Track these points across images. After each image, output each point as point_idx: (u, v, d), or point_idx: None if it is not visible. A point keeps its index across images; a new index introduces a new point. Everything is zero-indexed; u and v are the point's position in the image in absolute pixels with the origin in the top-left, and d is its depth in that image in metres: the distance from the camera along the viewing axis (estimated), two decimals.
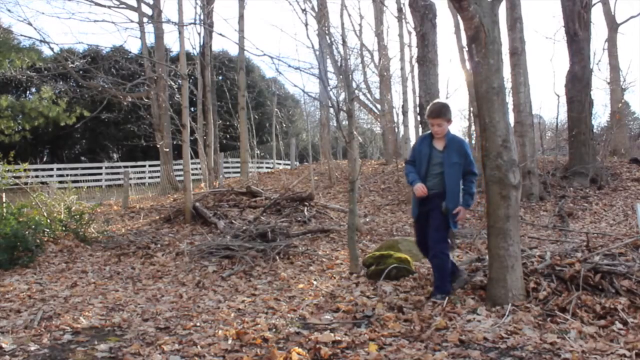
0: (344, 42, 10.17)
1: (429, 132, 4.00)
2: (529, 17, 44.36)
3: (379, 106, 18.37)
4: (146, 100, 14.57)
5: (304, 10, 6.40)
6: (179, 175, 13.73)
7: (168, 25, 14.72)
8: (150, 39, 16.02)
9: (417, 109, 9.39)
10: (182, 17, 9.81)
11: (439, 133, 3.80)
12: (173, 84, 14.27)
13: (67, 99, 17.33)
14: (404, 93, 12.18)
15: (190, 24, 13.05)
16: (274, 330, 3.41)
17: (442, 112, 3.81)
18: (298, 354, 2.86)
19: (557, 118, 16.43)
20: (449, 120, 3.82)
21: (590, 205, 10.12)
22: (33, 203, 7.75)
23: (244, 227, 7.25)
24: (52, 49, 13.84)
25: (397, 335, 3.18)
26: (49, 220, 7.22)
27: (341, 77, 7.21)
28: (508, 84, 11.17)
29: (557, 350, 2.77)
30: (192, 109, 16.94)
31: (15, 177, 9.10)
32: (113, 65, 17.55)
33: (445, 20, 47.53)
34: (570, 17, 12.26)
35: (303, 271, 5.61)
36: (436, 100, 4.22)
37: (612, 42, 16.57)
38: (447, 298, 3.67)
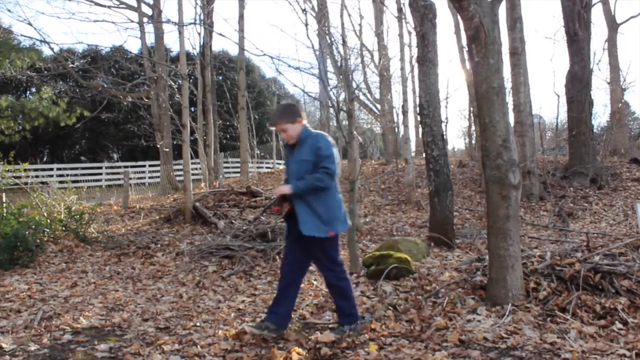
0: (344, 42, 10.16)
1: None
2: (529, 17, 44.38)
3: (379, 106, 18.36)
4: (146, 100, 14.57)
5: (304, 10, 6.40)
6: (179, 175, 13.72)
7: (168, 25, 14.72)
8: (150, 39, 16.02)
9: (417, 109, 9.39)
10: (182, 17, 9.81)
11: (287, 139, 3.34)
12: (173, 84, 14.28)
13: (67, 99, 17.33)
14: (404, 93, 12.17)
15: (190, 24, 13.04)
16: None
17: (278, 118, 3.35)
18: (298, 354, 2.86)
19: (557, 118, 16.46)
20: (294, 121, 3.30)
21: (590, 205, 10.12)
22: (33, 203, 7.75)
23: (244, 227, 7.25)
24: (52, 49, 13.87)
25: (397, 335, 3.19)
26: (49, 220, 7.22)
27: (341, 77, 7.21)
28: (508, 84, 11.18)
29: (557, 350, 2.77)
30: (192, 109, 16.93)
31: (15, 177, 9.10)
32: (113, 65, 17.58)
33: (445, 20, 47.55)
34: (570, 17, 12.26)
35: None
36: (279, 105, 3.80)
37: (612, 42, 16.57)
38: (358, 324, 3.31)
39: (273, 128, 3.44)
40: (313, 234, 3.18)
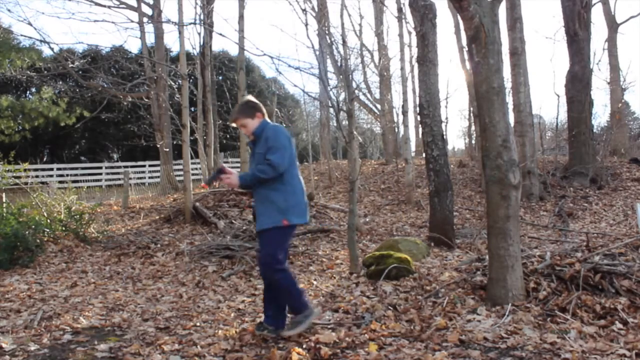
0: (344, 42, 10.18)
1: None
2: (529, 17, 44.32)
3: (379, 106, 18.37)
4: (146, 100, 14.57)
5: (304, 10, 6.40)
6: (179, 175, 13.73)
7: (168, 25, 14.73)
8: (150, 39, 16.02)
9: (417, 109, 9.39)
10: (182, 17, 9.80)
11: (247, 134, 3.35)
12: (173, 84, 14.28)
13: (67, 99, 17.33)
14: (404, 93, 12.17)
15: (190, 24, 13.04)
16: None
17: (237, 113, 3.35)
18: (298, 354, 2.86)
19: (557, 118, 16.46)
20: (253, 116, 3.30)
21: (590, 205, 10.12)
22: (33, 203, 7.75)
23: (244, 227, 7.25)
24: (52, 49, 13.85)
25: (397, 335, 3.18)
26: (49, 220, 7.22)
27: (341, 77, 7.21)
28: (508, 84, 11.18)
29: (557, 350, 2.77)
30: (192, 109, 16.93)
31: (15, 177, 9.10)
32: (113, 65, 17.56)
33: (445, 20, 47.55)
34: (570, 17, 12.26)
35: (303, 271, 5.61)
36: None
37: (612, 42, 16.57)
38: (309, 318, 3.25)
39: (233, 124, 3.43)
40: (265, 227, 3.16)
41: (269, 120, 3.36)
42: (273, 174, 3.13)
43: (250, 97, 3.45)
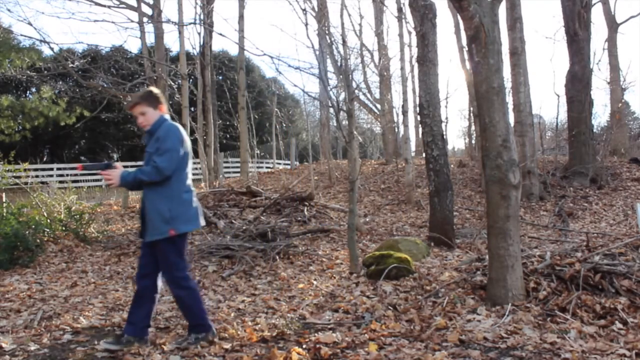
0: (344, 42, 10.18)
1: None
2: (529, 17, 44.40)
3: (379, 106, 18.37)
4: None
5: (304, 10, 6.40)
6: None
7: (168, 25, 14.72)
8: (150, 39, 16.00)
9: (417, 109, 9.39)
10: (182, 17, 9.81)
11: (144, 123, 3.11)
12: (173, 84, 14.28)
13: (67, 99, 17.33)
14: (404, 93, 12.18)
15: (190, 23, 13.06)
16: (274, 330, 3.41)
17: (140, 98, 3.13)
18: (298, 354, 2.86)
19: (557, 118, 16.46)
20: (155, 107, 3.12)
21: (590, 205, 10.12)
22: (33, 203, 7.75)
23: (244, 227, 7.25)
24: (52, 49, 13.84)
25: (397, 335, 3.18)
26: (49, 220, 7.22)
27: (341, 77, 7.21)
28: (508, 84, 11.18)
29: (557, 350, 2.77)
30: (192, 108, 16.94)
31: (15, 177, 9.09)
32: (113, 65, 17.54)
33: (445, 20, 47.56)
34: (570, 17, 12.26)
35: (303, 271, 5.61)
36: None
37: (612, 42, 16.57)
38: (199, 340, 3.06)
39: (130, 110, 3.18)
40: (152, 239, 2.98)
41: (167, 117, 3.16)
42: (156, 177, 2.92)
43: (155, 88, 3.24)
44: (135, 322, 3.10)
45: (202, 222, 3.19)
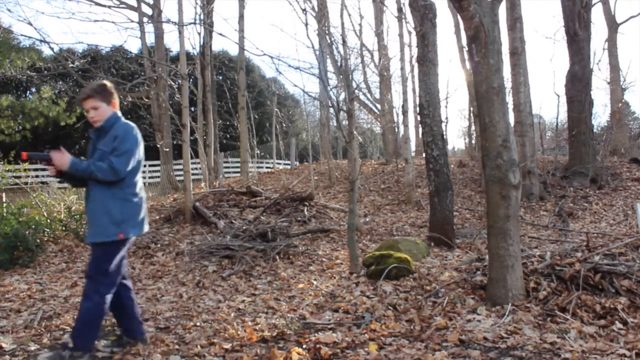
0: (344, 42, 10.18)
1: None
2: (529, 17, 44.40)
3: (379, 106, 18.37)
4: (146, 100, 14.57)
5: (304, 10, 6.40)
6: (179, 175, 13.73)
7: (168, 25, 14.72)
8: (150, 39, 16.01)
9: (417, 109, 9.39)
10: (182, 17, 9.80)
11: (95, 118, 2.92)
12: (173, 83, 14.27)
13: (67, 98, 17.33)
14: (404, 93, 12.17)
15: (190, 23, 13.03)
16: (274, 330, 3.41)
17: (92, 92, 2.93)
18: (298, 354, 2.86)
19: (557, 118, 16.46)
20: (109, 102, 2.95)
21: (590, 205, 10.12)
22: (33, 203, 7.75)
23: (244, 227, 7.25)
24: (52, 49, 13.87)
25: (397, 335, 3.19)
26: (49, 220, 7.22)
27: (341, 77, 7.21)
28: (508, 84, 11.18)
29: (557, 350, 2.77)
30: (192, 108, 16.93)
31: (15, 177, 9.09)
32: (113, 65, 17.54)
33: (445, 20, 47.57)
34: (570, 17, 12.26)
35: (303, 271, 5.61)
36: None
37: (612, 42, 16.58)
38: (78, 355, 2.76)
39: (81, 104, 2.99)
40: (97, 240, 2.81)
41: (120, 115, 3.00)
42: (111, 177, 2.79)
43: (108, 83, 3.03)
44: (128, 327, 3.07)
45: (147, 228, 3.04)
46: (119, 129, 2.88)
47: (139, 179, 2.99)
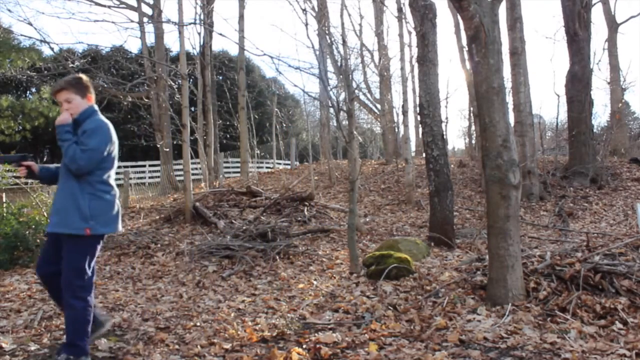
0: (344, 42, 10.18)
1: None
2: (529, 17, 44.41)
3: (379, 106, 18.38)
4: (146, 100, 14.58)
5: (304, 10, 6.40)
6: (179, 175, 13.73)
7: (168, 25, 14.73)
8: (150, 39, 16.03)
9: (417, 109, 9.39)
10: (182, 17, 9.80)
11: (68, 111, 2.83)
12: (173, 83, 14.27)
13: None
14: (404, 93, 12.17)
15: (190, 23, 13.04)
16: (274, 330, 3.41)
17: (66, 84, 2.86)
18: (298, 354, 2.86)
19: (557, 118, 16.47)
20: (83, 96, 2.87)
21: (590, 205, 10.12)
22: (33, 203, 7.74)
23: (244, 227, 7.25)
24: (52, 49, 13.89)
25: (397, 335, 3.19)
26: (49, 220, 7.22)
27: (341, 77, 7.21)
28: (508, 84, 11.18)
29: (557, 350, 2.77)
30: (192, 108, 16.94)
31: (15, 177, 9.09)
32: (113, 65, 17.53)
33: (445, 20, 47.58)
34: (570, 17, 12.27)
35: (303, 271, 5.61)
36: None
37: (612, 42, 16.58)
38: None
39: (54, 96, 2.91)
40: (61, 231, 2.72)
41: (97, 110, 2.91)
42: (72, 164, 2.69)
43: (84, 76, 2.94)
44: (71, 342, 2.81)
45: (120, 228, 2.95)
46: (90, 124, 2.79)
47: (112, 177, 2.90)
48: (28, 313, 4.00)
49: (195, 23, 14.18)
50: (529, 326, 3.16)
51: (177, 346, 3.13)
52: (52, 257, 2.81)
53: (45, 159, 23.76)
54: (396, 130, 17.45)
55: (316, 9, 7.78)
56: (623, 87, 17.50)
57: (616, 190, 11.02)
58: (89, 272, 2.77)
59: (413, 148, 18.55)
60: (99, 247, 2.85)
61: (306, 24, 6.27)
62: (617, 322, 3.15)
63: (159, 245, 7.00)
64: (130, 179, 12.90)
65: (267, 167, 22.24)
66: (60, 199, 2.79)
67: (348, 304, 4.03)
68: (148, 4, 14.32)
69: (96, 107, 2.91)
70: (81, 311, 2.72)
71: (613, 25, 16.65)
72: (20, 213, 6.66)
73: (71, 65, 12.59)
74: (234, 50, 25.33)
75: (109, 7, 13.13)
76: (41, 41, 11.80)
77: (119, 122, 22.11)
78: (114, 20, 27.84)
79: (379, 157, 26.82)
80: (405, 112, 12.10)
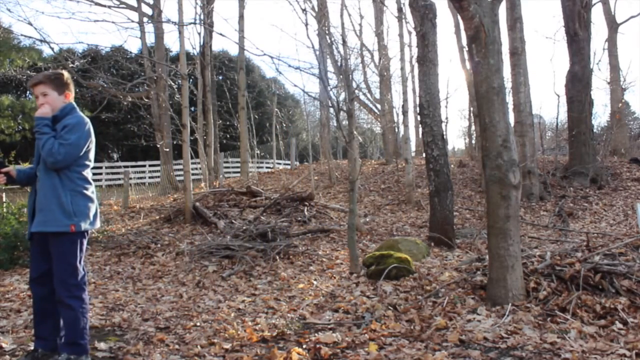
0: (344, 42, 10.18)
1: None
2: (529, 17, 44.44)
3: (379, 106, 18.37)
4: (146, 100, 14.57)
5: (304, 10, 6.40)
6: (179, 175, 13.73)
7: (168, 25, 14.72)
8: (150, 39, 16.02)
9: (417, 109, 9.39)
10: (182, 17, 9.80)
11: (44, 106, 2.78)
12: (173, 83, 14.28)
13: None
14: (404, 93, 12.17)
15: (190, 23, 13.04)
16: (274, 330, 3.41)
17: (44, 77, 2.81)
18: (298, 354, 2.86)
19: (557, 118, 16.54)
20: (61, 92, 2.82)
21: (590, 205, 10.12)
22: None
23: (244, 227, 7.25)
24: (52, 49, 13.86)
25: (397, 335, 3.18)
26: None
27: (341, 77, 7.21)
28: (508, 84, 11.18)
29: (557, 350, 2.77)
30: (192, 108, 16.94)
31: None
32: (113, 65, 17.54)
33: (445, 20, 47.59)
34: (570, 17, 12.27)
35: (303, 271, 5.61)
36: None
37: (612, 42, 16.57)
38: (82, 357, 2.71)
39: (30, 87, 2.85)
40: (48, 230, 2.69)
41: (76, 107, 2.87)
42: (49, 157, 2.66)
43: (66, 73, 2.90)
44: (45, 337, 2.82)
45: (99, 224, 2.93)
46: (71, 119, 2.77)
47: (89, 174, 2.87)
48: (28, 313, 3.99)
49: (195, 23, 14.19)
50: (529, 326, 3.16)
51: (177, 346, 3.13)
52: (42, 258, 2.78)
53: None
54: (396, 130, 17.45)
55: (316, 9, 7.78)
56: (623, 87, 17.51)
57: (616, 190, 11.02)
58: (81, 270, 2.76)
59: (413, 148, 18.56)
60: (85, 243, 2.83)
61: (306, 24, 6.27)
62: (617, 322, 3.15)
63: (159, 245, 7.00)
64: (130, 179, 12.89)
65: (267, 167, 22.24)
66: (42, 197, 2.74)
67: (348, 304, 4.03)
68: (148, 4, 14.32)
69: (75, 105, 2.88)
70: (79, 310, 2.72)
71: (613, 25, 16.65)
72: (20, 213, 6.66)
73: (71, 65, 12.59)
74: (234, 50, 25.35)
75: (109, 7, 13.12)
76: (41, 41, 11.80)
77: (119, 122, 22.15)
78: (114, 20, 27.92)
79: (379, 157, 26.82)
80: (405, 112, 12.09)
